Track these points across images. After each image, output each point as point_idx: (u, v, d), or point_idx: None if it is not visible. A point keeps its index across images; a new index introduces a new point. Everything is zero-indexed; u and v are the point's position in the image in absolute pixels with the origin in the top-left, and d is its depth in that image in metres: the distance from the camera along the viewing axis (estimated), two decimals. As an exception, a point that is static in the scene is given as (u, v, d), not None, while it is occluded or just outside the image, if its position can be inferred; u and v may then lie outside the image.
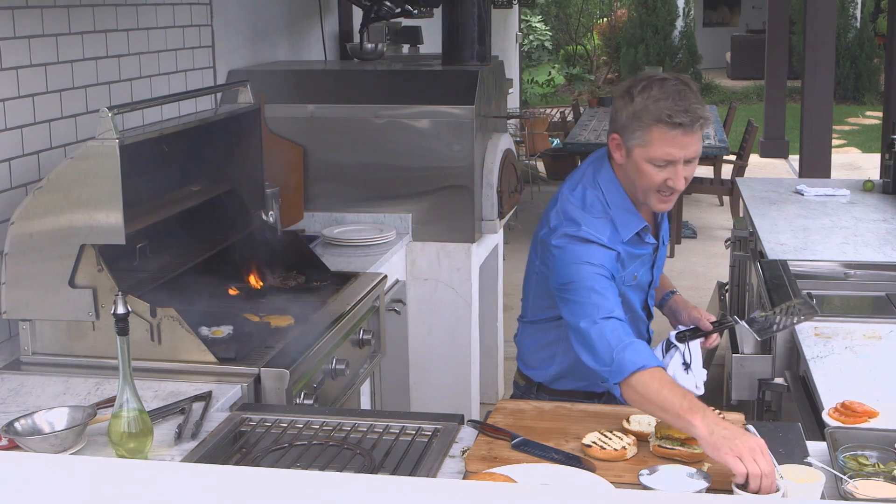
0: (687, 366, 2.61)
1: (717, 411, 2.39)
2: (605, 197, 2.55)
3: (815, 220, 4.55)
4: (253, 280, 3.48)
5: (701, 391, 2.60)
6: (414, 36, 6.58)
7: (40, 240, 2.80)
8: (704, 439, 2.09)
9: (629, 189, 2.55)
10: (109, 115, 2.72)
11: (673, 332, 2.70)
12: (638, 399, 2.28)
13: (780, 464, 2.07)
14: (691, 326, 2.70)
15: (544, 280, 2.63)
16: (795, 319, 2.61)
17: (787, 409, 3.09)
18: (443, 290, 4.47)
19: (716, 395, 5.01)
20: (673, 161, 2.42)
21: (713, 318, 2.68)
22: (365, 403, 3.61)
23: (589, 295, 2.42)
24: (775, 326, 2.64)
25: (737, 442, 2.04)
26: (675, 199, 2.52)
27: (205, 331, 2.99)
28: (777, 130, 12.51)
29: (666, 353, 2.65)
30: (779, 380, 3.10)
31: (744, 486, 1.99)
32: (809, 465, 2.08)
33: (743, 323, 2.63)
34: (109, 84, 3.51)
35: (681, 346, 2.63)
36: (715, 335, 2.66)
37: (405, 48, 6.56)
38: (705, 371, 2.65)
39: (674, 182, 2.44)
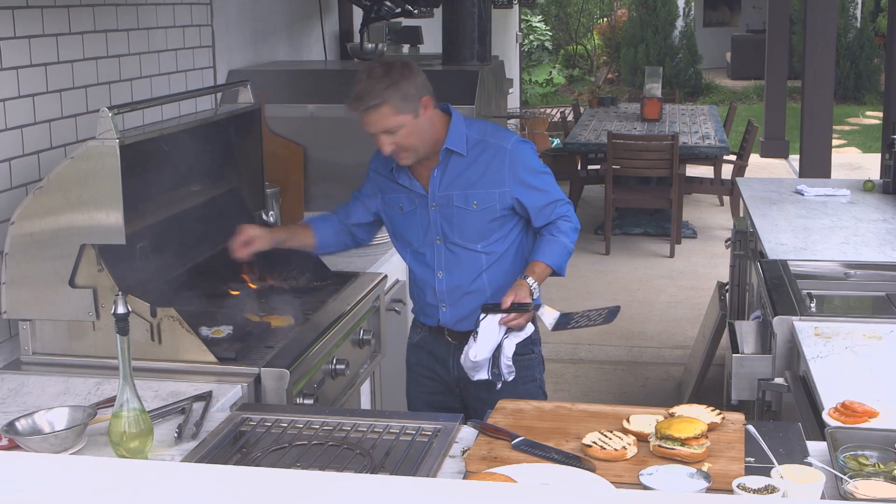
0: (475, 334, 2.93)
1: (717, 412, 2.40)
2: None
3: (815, 220, 4.55)
4: (253, 280, 3.48)
5: (479, 361, 2.90)
6: (414, 36, 6.59)
7: (40, 240, 2.80)
8: None
9: None
10: (109, 115, 2.73)
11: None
12: None
13: (780, 464, 2.08)
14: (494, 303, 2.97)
15: None
16: (592, 323, 2.98)
17: (787, 409, 3.09)
18: (443, 290, 4.46)
19: (716, 395, 5.01)
20: (371, 133, 2.94)
21: (523, 300, 2.91)
22: (365, 403, 3.61)
23: None
24: (572, 324, 2.97)
25: None
26: (407, 157, 2.98)
27: (205, 331, 2.99)
28: (777, 130, 12.51)
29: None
30: (779, 380, 3.10)
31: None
32: (809, 465, 2.08)
33: (542, 311, 2.92)
34: (109, 84, 3.51)
35: (481, 315, 2.94)
36: (514, 315, 2.91)
37: (405, 48, 6.56)
38: (504, 341, 2.92)
39: (382, 149, 2.95)
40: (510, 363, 2.96)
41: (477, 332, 2.94)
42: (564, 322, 2.97)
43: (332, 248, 3.33)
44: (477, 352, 2.93)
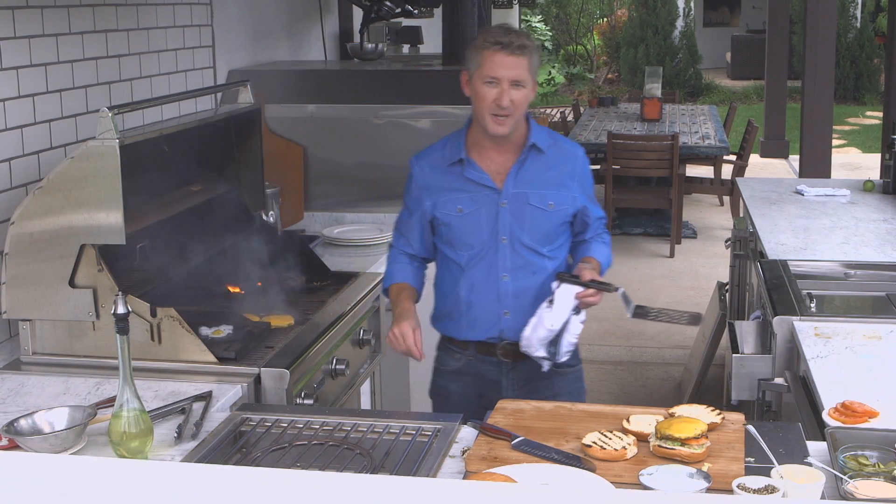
0: (551, 302, 2.80)
1: (717, 412, 2.40)
2: (451, 134, 3.03)
3: (815, 220, 4.55)
4: (252, 280, 3.47)
5: (556, 330, 2.80)
6: (414, 36, 6.59)
7: (40, 240, 2.80)
8: None
9: (477, 127, 2.93)
10: (109, 115, 2.73)
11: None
12: None
13: (780, 464, 2.08)
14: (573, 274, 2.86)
15: None
16: (674, 321, 2.89)
17: (787, 409, 3.09)
18: (443, 290, 4.47)
19: (716, 395, 5.01)
20: (498, 79, 2.82)
21: (598, 278, 2.85)
22: (365, 403, 3.61)
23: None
24: (650, 315, 2.87)
25: (392, 326, 2.92)
26: (508, 122, 2.85)
27: (205, 331, 2.99)
28: (777, 130, 12.51)
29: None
30: (779, 380, 3.10)
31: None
32: (809, 465, 2.08)
33: (620, 293, 2.82)
34: (109, 84, 3.51)
35: (554, 284, 2.83)
36: (592, 291, 2.80)
37: (405, 48, 6.56)
38: (572, 317, 2.81)
39: (500, 100, 2.82)
40: (575, 342, 2.84)
41: (552, 301, 2.78)
42: (643, 312, 2.89)
43: (421, 287, 3.12)
44: (553, 320, 2.77)
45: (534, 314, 2.85)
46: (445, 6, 4.76)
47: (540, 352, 2.83)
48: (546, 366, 2.88)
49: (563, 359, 2.85)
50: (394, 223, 3.11)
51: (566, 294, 2.78)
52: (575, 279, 2.80)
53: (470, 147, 2.95)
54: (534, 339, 2.82)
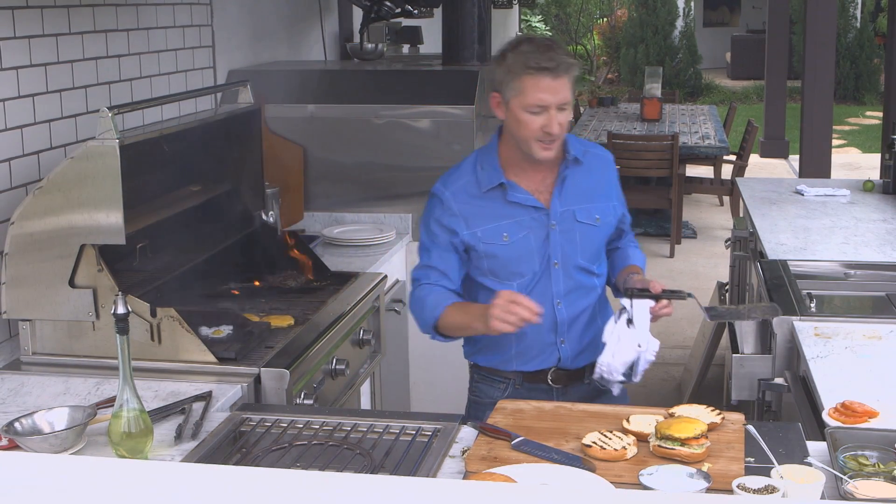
0: (630, 321, 2.61)
1: (717, 412, 2.40)
2: (477, 154, 2.79)
3: (815, 220, 4.55)
4: (253, 280, 3.48)
5: (643, 350, 2.61)
6: (414, 36, 6.58)
7: (40, 240, 2.80)
8: (484, 329, 2.56)
9: (511, 146, 2.70)
10: (109, 115, 2.73)
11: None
12: (448, 330, 2.74)
13: (780, 464, 2.08)
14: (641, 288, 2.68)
15: None
16: (753, 317, 2.76)
17: (787, 409, 3.09)
18: (443, 290, 4.47)
19: (716, 395, 5.01)
20: (546, 106, 2.59)
21: (667, 287, 2.66)
22: (365, 403, 3.61)
23: (420, 253, 2.78)
24: (728, 315, 2.77)
25: (489, 311, 2.51)
26: (555, 146, 2.66)
27: (205, 331, 2.99)
28: (777, 130, 12.51)
29: (619, 315, 2.65)
30: (779, 380, 3.10)
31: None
32: (809, 465, 2.08)
33: (695, 298, 2.65)
34: (109, 84, 3.51)
35: (626, 302, 2.64)
36: (665, 302, 2.63)
37: (405, 48, 6.56)
38: (652, 336, 2.63)
39: (549, 127, 2.60)
40: (651, 360, 2.63)
41: (631, 319, 2.59)
42: (717, 314, 2.69)
43: None
44: (639, 339, 2.57)
45: (588, 342, 2.71)
46: (445, 6, 4.77)
47: (617, 377, 2.63)
48: (617, 389, 2.71)
49: (636, 379, 2.65)
50: (419, 257, 2.81)
51: (642, 309, 2.60)
52: (645, 293, 2.62)
53: (505, 168, 2.72)
54: (617, 363, 2.62)
